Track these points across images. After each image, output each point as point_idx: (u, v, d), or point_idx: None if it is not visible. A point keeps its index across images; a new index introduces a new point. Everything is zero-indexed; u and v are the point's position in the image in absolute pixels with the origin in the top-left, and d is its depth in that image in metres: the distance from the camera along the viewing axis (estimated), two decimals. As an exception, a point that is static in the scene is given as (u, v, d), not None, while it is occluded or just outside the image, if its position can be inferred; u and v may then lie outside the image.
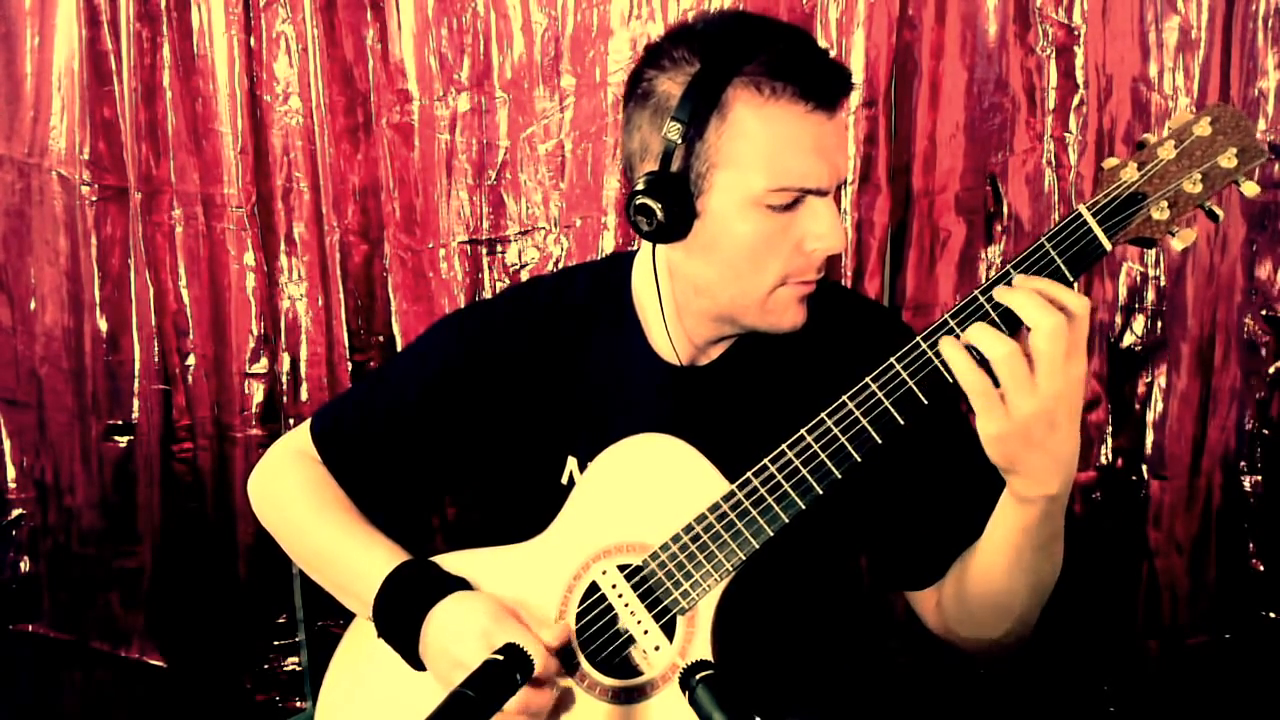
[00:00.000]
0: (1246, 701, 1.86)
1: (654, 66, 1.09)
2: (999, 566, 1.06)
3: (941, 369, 0.98)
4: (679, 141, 1.04)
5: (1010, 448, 0.94)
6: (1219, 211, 0.98)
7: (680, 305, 1.17)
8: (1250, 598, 1.87)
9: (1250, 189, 0.96)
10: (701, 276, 1.12)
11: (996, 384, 0.92)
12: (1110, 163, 0.98)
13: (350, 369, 2.12)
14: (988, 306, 0.96)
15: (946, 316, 0.98)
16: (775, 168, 1.04)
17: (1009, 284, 0.95)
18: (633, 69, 1.12)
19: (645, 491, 1.11)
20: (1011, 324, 0.95)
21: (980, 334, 0.92)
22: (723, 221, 1.07)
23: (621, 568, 1.11)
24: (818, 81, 1.04)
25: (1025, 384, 0.90)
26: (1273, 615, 1.86)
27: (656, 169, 1.06)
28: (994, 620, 1.12)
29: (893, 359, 1.00)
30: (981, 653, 1.17)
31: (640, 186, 1.06)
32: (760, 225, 1.06)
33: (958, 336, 0.95)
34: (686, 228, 1.08)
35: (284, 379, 2.16)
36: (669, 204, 1.06)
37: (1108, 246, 0.96)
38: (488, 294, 2.10)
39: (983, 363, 0.93)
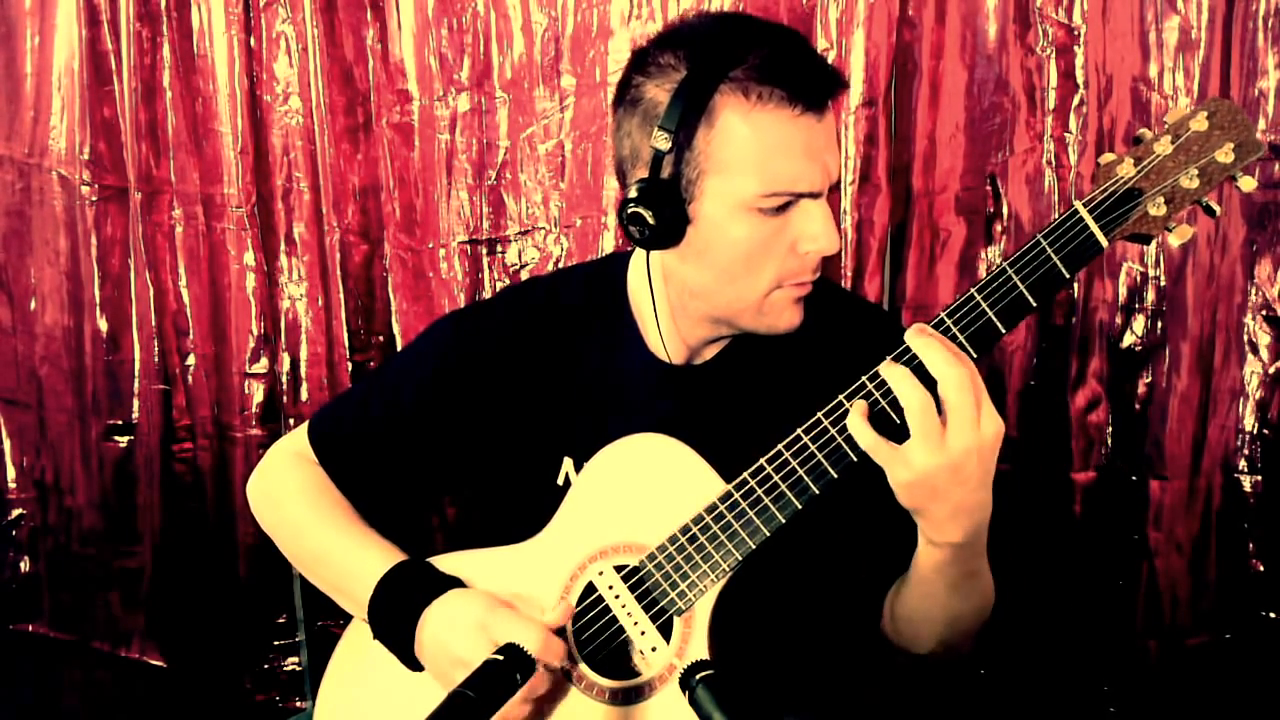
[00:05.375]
0: (1246, 701, 1.86)
1: (641, 72, 1.08)
2: (915, 595, 1.11)
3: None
4: (668, 149, 1.03)
5: (916, 496, 0.97)
6: (1217, 207, 0.98)
7: (676, 307, 1.17)
8: (1250, 598, 1.86)
9: (1247, 184, 0.95)
10: (696, 281, 1.12)
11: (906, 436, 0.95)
12: (1107, 158, 0.97)
13: (350, 369, 2.12)
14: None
15: (944, 313, 0.98)
16: (766, 172, 1.03)
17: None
18: (621, 74, 1.12)
19: (641, 492, 1.11)
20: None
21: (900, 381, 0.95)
22: (715, 227, 1.06)
23: (618, 568, 1.11)
24: (806, 84, 1.03)
25: (935, 437, 0.93)
26: (1273, 615, 1.85)
27: (647, 176, 1.05)
28: (916, 639, 1.16)
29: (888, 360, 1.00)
30: (911, 665, 1.21)
31: (632, 195, 1.06)
32: (753, 229, 1.06)
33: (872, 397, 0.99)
34: (679, 234, 1.08)
35: (284, 379, 2.16)
36: (661, 211, 1.05)
37: (1104, 243, 0.96)
38: (488, 294, 2.09)
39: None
